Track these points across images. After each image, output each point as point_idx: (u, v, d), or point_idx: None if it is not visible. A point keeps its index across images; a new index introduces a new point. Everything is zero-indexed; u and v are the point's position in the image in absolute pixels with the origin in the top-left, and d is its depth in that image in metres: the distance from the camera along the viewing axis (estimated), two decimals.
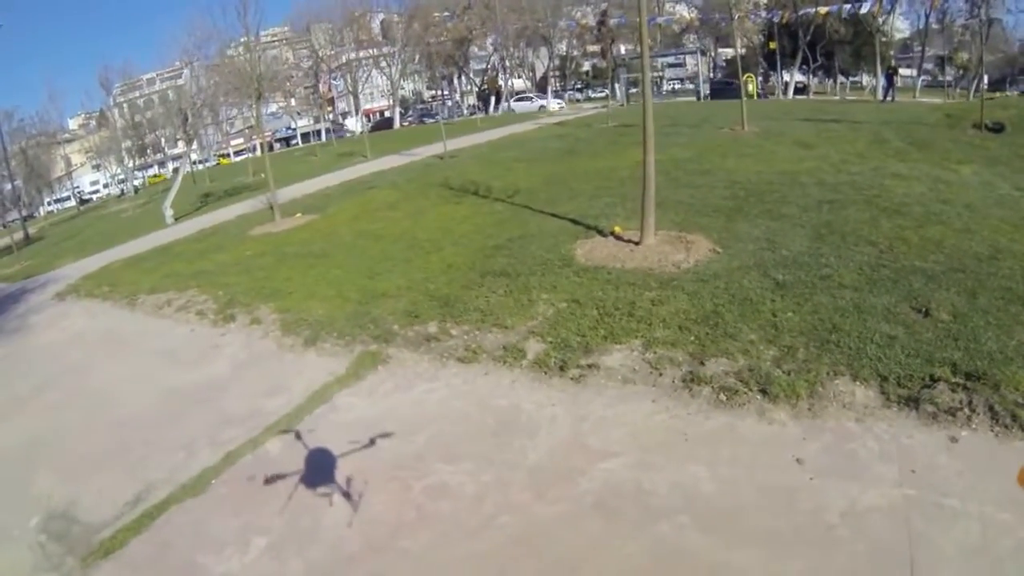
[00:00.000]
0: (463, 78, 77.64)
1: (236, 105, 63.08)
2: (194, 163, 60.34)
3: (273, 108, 76.42)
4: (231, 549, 5.98)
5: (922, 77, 63.38)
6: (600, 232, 13.52)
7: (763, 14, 61.86)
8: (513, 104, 64.69)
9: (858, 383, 6.98)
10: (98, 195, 72.21)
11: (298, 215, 21.66)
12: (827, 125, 27.00)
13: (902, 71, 62.38)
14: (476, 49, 75.65)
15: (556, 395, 7.77)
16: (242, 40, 22.91)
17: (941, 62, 70.40)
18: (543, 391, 7.90)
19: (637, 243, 12.29)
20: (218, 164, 68.55)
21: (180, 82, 61.40)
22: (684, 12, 70.12)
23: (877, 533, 5.12)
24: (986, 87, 43.73)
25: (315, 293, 12.55)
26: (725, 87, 58.38)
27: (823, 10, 53.85)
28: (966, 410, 6.31)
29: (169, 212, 28.66)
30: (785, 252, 10.98)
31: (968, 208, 13.27)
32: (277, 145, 74.88)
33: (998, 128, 24.07)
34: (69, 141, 74.81)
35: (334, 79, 75.68)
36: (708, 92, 60.81)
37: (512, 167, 24.40)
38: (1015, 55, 75.41)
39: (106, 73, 64.82)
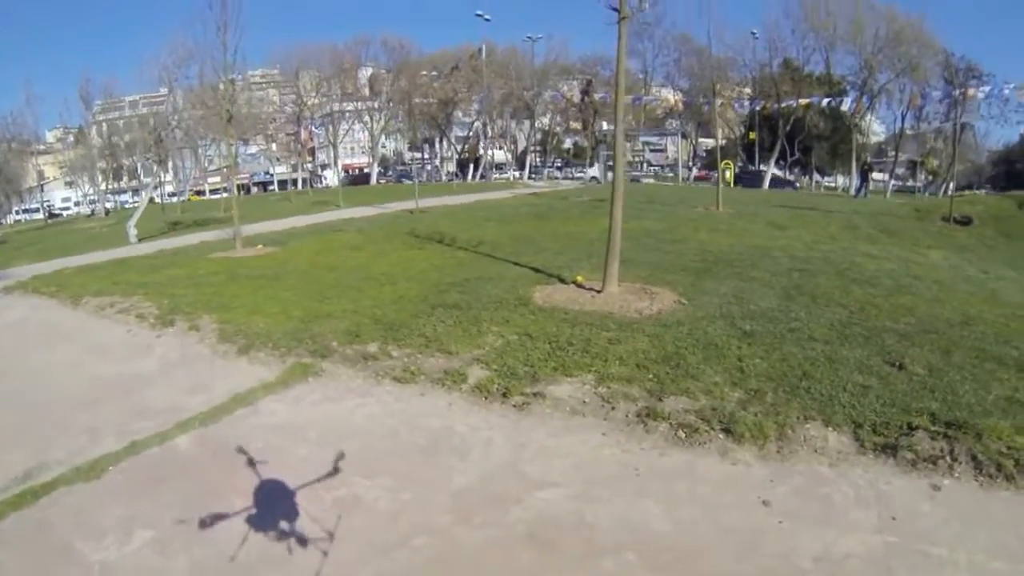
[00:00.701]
0: (444, 142, 77.98)
1: (214, 141, 62.83)
2: (171, 194, 59.64)
3: (253, 149, 75.98)
4: (112, 538, 5.36)
5: (893, 181, 64.65)
6: (562, 280, 13.06)
7: (746, 103, 63.06)
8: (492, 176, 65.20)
9: (831, 428, 6.41)
10: (68, 212, 70.93)
11: (260, 246, 21.27)
12: (801, 211, 27.40)
13: (874, 175, 63.61)
14: (460, 115, 76.18)
15: (495, 420, 7.09)
16: (220, 61, 22.43)
17: (913, 167, 72.12)
18: (481, 415, 7.22)
19: (599, 291, 11.74)
20: (189, 200, 67.53)
21: (160, 107, 60.47)
22: (669, 96, 71.30)
23: None
24: (954, 189, 44.67)
25: (260, 309, 12.00)
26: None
27: (804, 102, 55.01)
28: (947, 458, 5.84)
29: (133, 232, 27.96)
30: (753, 307, 10.54)
31: (937, 283, 13.26)
32: (255, 188, 74.47)
33: (966, 221, 24.63)
34: (44, 153, 73.64)
35: (316, 127, 75.72)
36: (691, 177, 61.69)
37: (481, 224, 24.37)
38: (983, 165, 77.67)
39: (88, 87, 64.18)
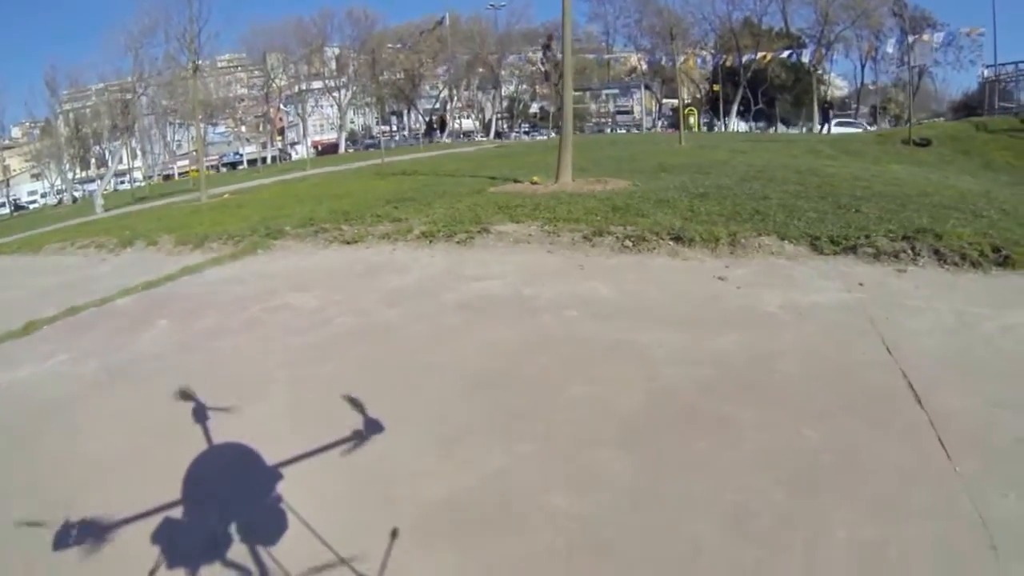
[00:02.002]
0: (412, 114, 77.14)
1: (182, 125, 61.84)
2: (142, 179, 58.73)
3: (221, 129, 74.79)
4: (29, 365, 5.27)
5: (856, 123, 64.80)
6: (517, 181, 12.89)
7: (708, 59, 62.73)
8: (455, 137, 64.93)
9: (786, 241, 6.32)
10: (35, 205, 69.11)
11: (225, 195, 21.29)
12: (763, 143, 27.27)
13: (838, 128, 63.74)
14: (428, 88, 75.36)
15: (438, 251, 7.02)
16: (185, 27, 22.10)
17: (874, 112, 72.08)
18: (424, 251, 7.12)
19: (553, 184, 11.55)
20: (159, 181, 66.38)
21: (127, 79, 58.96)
22: (632, 56, 70.80)
23: (829, 316, 4.65)
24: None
25: (219, 223, 11.95)
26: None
27: (764, 55, 54.84)
28: (909, 253, 5.85)
29: (100, 201, 27.35)
30: (708, 184, 10.40)
31: (896, 179, 13.16)
32: (224, 169, 73.27)
33: (925, 143, 24.68)
34: (8, 148, 71.79)
35: (284, 106, 74.58)
36: (656, 127, 61.44)
37: (444, 163, 24.40)
38: (943, 112, 78.05)
39: (53, 74, 62.76)
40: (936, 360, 3.97)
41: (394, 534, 2.73)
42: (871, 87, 66.46)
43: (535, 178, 12.34)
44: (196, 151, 62.16)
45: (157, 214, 17.56)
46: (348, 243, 8.10)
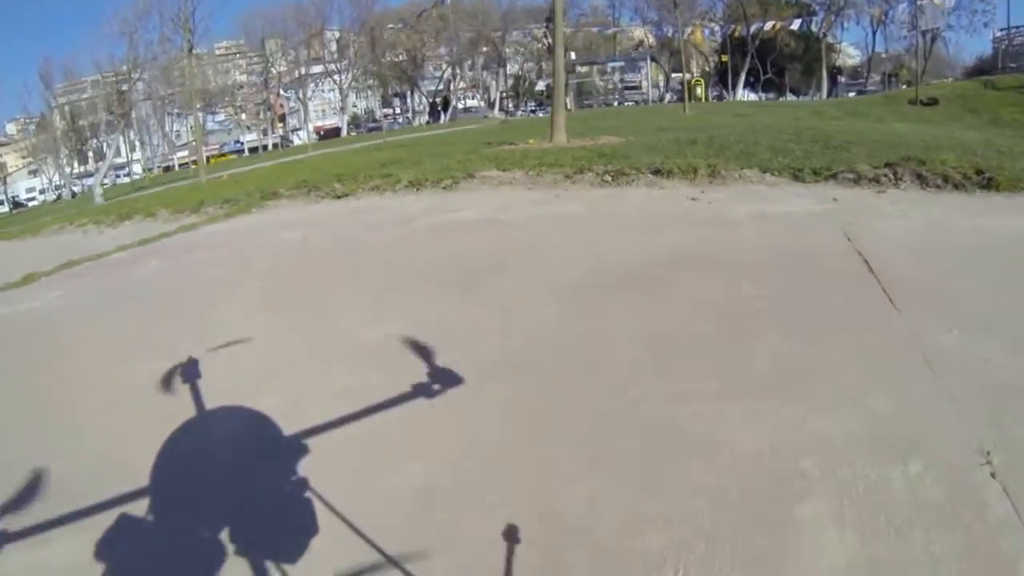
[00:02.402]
0: (416, 95, 76.86)
1: (180, 115, 61.98)
2: (147, 169, 59.09)
3: (221, 117, 74.68)
4: (25, 303, 5.68)
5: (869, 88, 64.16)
6: (512, 144, 13.11)
7: (716, 29, 62.29)
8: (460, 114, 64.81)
9: (768, 173, 6.56)
10: (34, 202, 69.25)
11: (224, 176, 21.79)
12: (768, 108, 27.46)
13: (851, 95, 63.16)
14: (432, 68, 74.99)
15: (424, 196, 7.39)
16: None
17: (886, 79, 71.36)
18: (410, 197, 7.50)
19: (547, 144, 11.83)
20: (159, 172, 66.62)
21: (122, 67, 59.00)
22: (638, 30, 70.31)
23: (794, 220, 4.97)
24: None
25: (216, 195, 12.23)
26: None
27: (774, 24, 54.37)
28: (891, 177, 6.05)
29: (99, 190, 27.58)
30: (702, 136, 10.43)
31: (894, 131, 13.18)
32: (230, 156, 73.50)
33: (932, 102, 24.59)
34: (4, 145, 72.02)
35: (284, 93, 74.40)
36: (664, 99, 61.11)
37: (445, 138, 24.58)
38: (957, 78, 77.13)
39: (48, 67, 62.90)
40: (897, 247, 4.32)
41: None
42: (883, 55, 65.58)
43: (531, 140, 12.52)
44: (195, 140, 62.47)
45: (156, 195, 18.02)
46: (339, 197, 8.39)
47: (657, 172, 6.38)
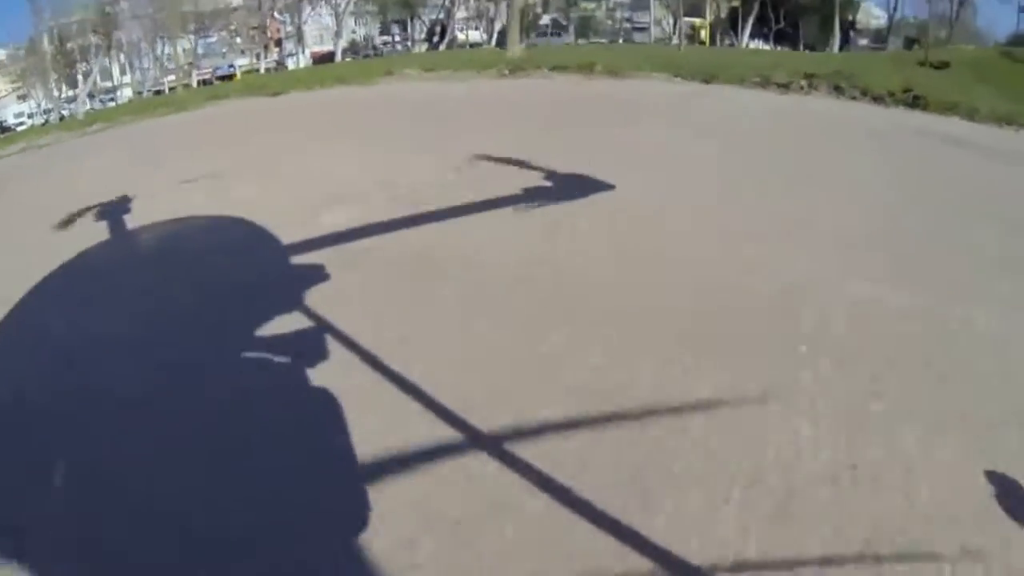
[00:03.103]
0: (415, 22, 75.94)
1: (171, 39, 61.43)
2: (137, 92, 58.90)
3: (214, 39, 73.86)
4: None
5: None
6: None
7: None
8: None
9: (671, 75, 6.54)
10: (22, 126, 69.13)
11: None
12: (761, 54, 26.90)
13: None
14: None
15: (339, 89, 7.54)
16: None
17: (909, 44, 70.12)
18: (333, 91, 7.63)
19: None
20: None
21: None
22: None
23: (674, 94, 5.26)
24: None
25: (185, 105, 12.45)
26: None
27: None
28: (804, 86, 6.04)
29: (81, 114, 27.40)
30: (658, 57, 10.28)
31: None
32: (217, 83, 72.96)
33: (942, 65, 23.99)
34: None
35: (280, 16, 73.46)
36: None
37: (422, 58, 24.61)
38: None
39: None
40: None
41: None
42: (912, 20, 64.00)
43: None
44: (188, 64, 61.94)
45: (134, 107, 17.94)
46: (275, 94, 8.66)
47: (554, 68, 6.56)
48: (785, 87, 5.67)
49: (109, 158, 8.50)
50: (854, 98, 5.60)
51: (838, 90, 5.70)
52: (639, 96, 6.68)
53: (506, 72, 6.74)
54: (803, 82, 5.90)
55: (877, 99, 5.49)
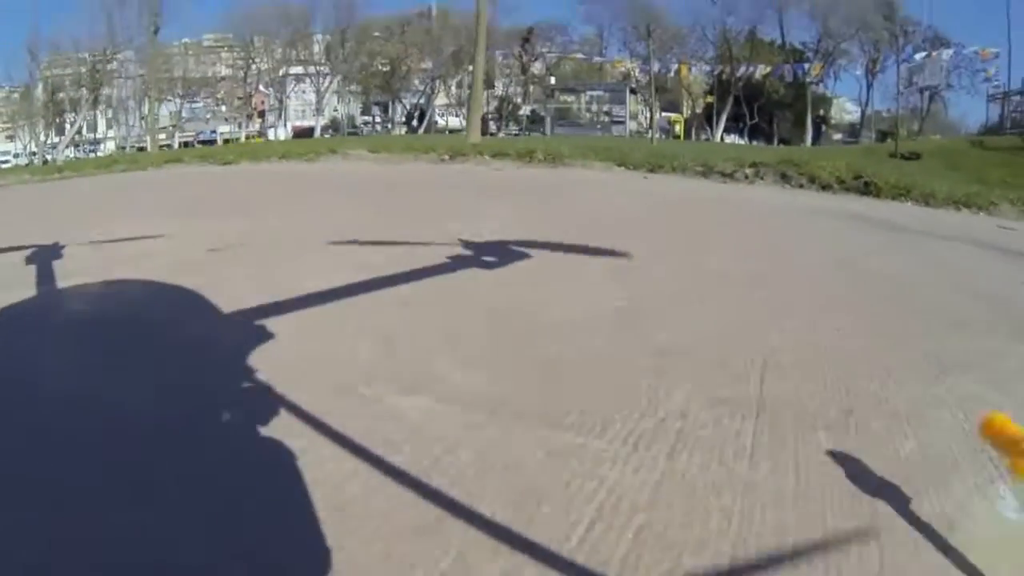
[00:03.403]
0: (397, 106, 77.14)
1: (158, 99, 62.17)
2: (120, 148, 59.52)
3: (199, 105, 74.86)
4: None
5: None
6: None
7: (706, 68, 62.78)
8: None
9: (615, 165, 6.64)
10: (7, 164, 69.59)
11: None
12: (731, 149, 27.21)
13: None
14: (417, 82, 75.26)
15: (284, 164, 7.81)
16: None
17: (883, 137, 71.96)
18: (278, 165, 7.88)
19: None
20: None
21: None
22: (625, 62, 70.87)
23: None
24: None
25: (137, 160, 12.95)
26: None
27: (765, 68, 54.65)
28: (748, 175, 6.31)
29: (61, 157, 27.55)
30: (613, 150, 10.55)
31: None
32: (198, 145, 73.51)
33: (914, 156, 24.71)
34: None
35: (265, 90, 74.51)
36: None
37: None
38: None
39: (36, 39, 63.14)
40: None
41: None
42: (884, 114, 66.08)
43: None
44: (172, 125, 62.45)
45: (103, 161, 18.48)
46: (226, 163, 8.77)
47: (495, 155, 6.55)
48: (729, 176, 5.85)
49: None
50: (801, 186, 5.77)
51: (784, 178, 5.89)
52: (559, 181, 6.77)
53: (445, 158, 6.90)
54: (748, 171, 6.09)
55: (825, 187, 5.68)
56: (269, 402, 3.02)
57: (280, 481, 2.43)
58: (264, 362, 3.49)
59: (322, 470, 2.46)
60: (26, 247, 5.70)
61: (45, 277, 4.93)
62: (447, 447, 2.68)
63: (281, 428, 2.81)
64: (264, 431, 2.80)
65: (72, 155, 52.80)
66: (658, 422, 2.96)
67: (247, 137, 68.93)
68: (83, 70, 62.10)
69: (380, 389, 3.18)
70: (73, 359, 3.61)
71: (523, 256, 5.23)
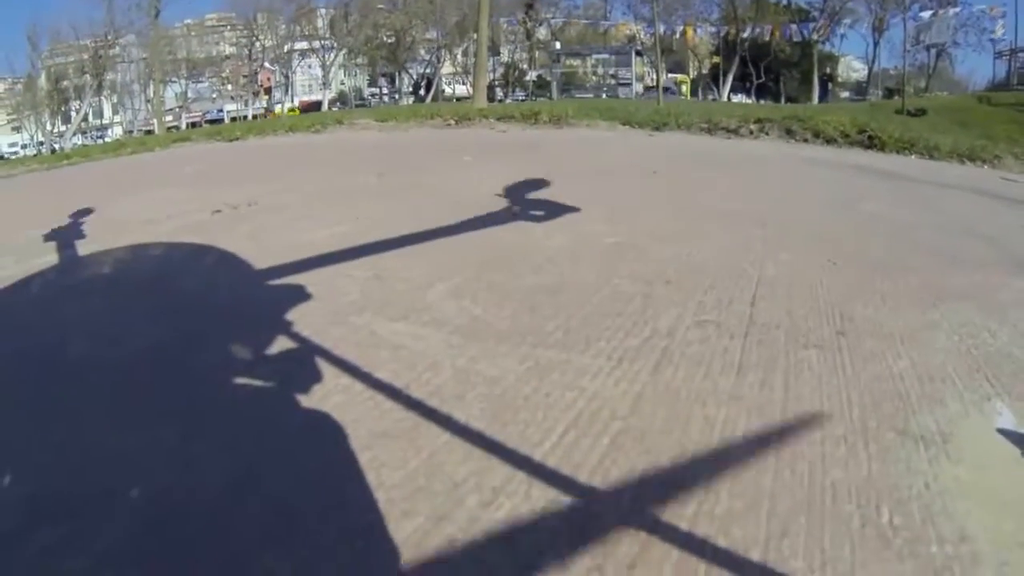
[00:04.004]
0: (404, 76, 76.78)
1: (163, 81, 62.16)
2: (128, 132, 59.58)
3: (205, 84, 74.73)
4: None
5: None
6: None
7: (711, 29, 62.18)
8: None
9: (620, 123, 6.66)
10: (16, 155, 69.79)
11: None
12: (733, 107, 27.06)
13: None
14: (423, 52, 74.83)
15: (290, 136, 7.79)
16: None
17: (890, 94, 71.18)
18: (283, 138, 7.97)
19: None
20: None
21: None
22: (630, 24, 70.32)
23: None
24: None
25: (144, 142, 13.13)
26: None
27: (772, 28, 54.08)
28: (753, 130, 6.29)
29: (69, 145, 27.83)
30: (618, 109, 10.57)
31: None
32: (206, 125, 73.43)
33: (919, 112, 24.57)
34: None
35: (270, 66, 74.28)
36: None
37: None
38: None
39: (36, 29, 63.09)
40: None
41: None
42: (891, 72, 65.24)
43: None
44: (179, 107, 62.46)
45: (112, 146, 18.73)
46: (232, 140, 8.84)
47: (500, 118, 6.62)
48: (734, 131, 5.96)
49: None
50: (805, 140, 5.89)
51: (789, 133, 6.00)
52: (564, 139, 6.86)
53: (451, 122, 7.05)
54: (752, 126, 6.19)
55: (830, 141, 5.80)
56: (271, 332, 3.17)
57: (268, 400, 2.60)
58: (268, 303, 3.69)
59: (310, 387, 2.60)
60: (43, 224, 5.81)
61: (66, 246, 5.08)
62: (429, 364, 2.77)
63: (280, 353, 2.98)
64: (264, 354, 2.96)
65: (80, 142, 52.91)
66: (643, 340, 3.01)
67: (254, 116, 68.93)
68: (85, 57, 62.09)
69: (369, 318, 3.32)
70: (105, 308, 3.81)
71: (524, 203, 5.31)
